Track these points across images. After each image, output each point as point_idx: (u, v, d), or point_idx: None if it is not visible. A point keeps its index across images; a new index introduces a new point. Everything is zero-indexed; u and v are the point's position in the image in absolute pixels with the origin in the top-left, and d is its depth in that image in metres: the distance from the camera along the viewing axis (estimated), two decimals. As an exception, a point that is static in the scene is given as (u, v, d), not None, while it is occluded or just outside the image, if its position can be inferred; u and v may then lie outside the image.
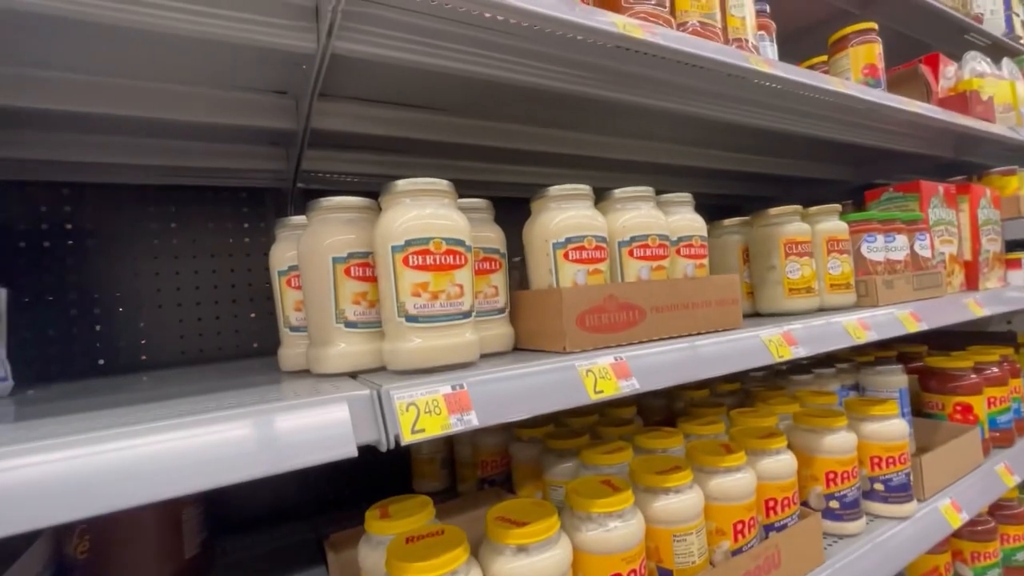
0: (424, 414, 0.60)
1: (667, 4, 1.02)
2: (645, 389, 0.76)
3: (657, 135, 1.57)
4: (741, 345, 0.92)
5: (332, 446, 0.54)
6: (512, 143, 1.33)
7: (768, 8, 1.44)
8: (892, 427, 1.21)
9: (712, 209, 2.25)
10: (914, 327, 1.24)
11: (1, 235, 1.11)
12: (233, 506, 1.27)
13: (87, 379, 1.09)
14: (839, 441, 1.14)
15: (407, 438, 0.57)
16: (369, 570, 0.76)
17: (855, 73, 1.50)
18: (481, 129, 1.27)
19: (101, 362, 1.20)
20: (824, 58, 1.68)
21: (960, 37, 2.24)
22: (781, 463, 1.04)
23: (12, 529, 0.41)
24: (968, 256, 1.67)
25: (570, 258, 0.83)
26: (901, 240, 1.38)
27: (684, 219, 1.01)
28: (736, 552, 0.93)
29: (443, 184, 0.73)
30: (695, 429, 1.14)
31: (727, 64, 1.00)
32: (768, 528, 1.03)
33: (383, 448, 0.57)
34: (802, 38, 2.08)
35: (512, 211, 1.10)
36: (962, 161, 1.99)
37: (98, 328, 1.20)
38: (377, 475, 1.43)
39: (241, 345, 1.34)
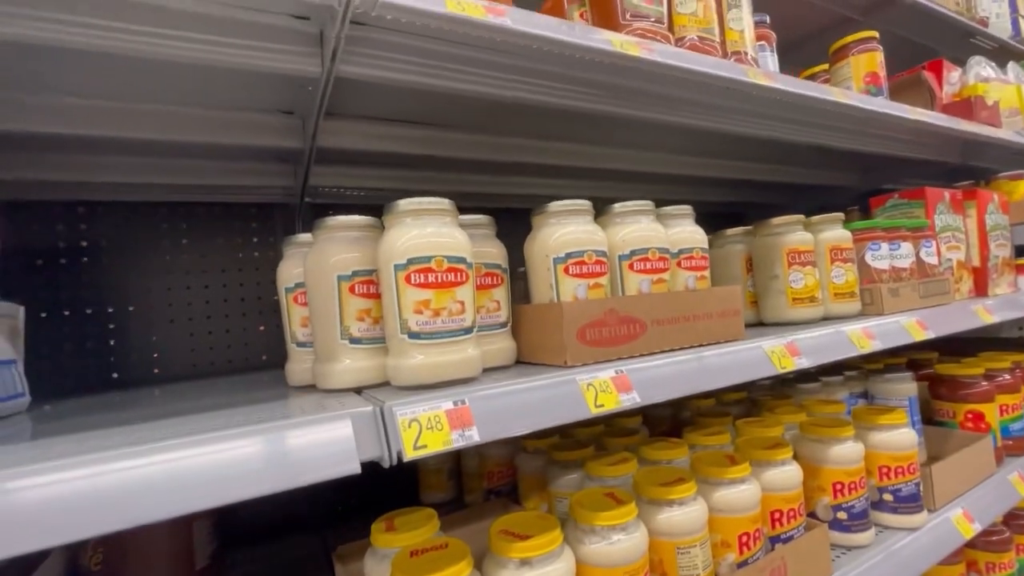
0: (426, 430, 0.61)
1: (665, 20, 1.03)
2: (646, 403, 0.77)
3: (661, 146, 1.58)
4: (743, 357, 0.92)
5: (336, 463, 0.56)
6: (516, 157, 1.35)
7: (768, 19, 1.45)
8: (901, 436, 1.20)
9: (719, 217, 2.25)
10: (920, 335, 1.23)
11: (19, 253, 1.15)
12: (244, 518, 1.29)
13: (101, 393, 1.11)
14: (846, 451, 1.13)
15: (409, 454, 0.58)
16: (375, 583, 0.77)
17: (857, 81, 1.50)
18: (485, 144, 1.29)
19: (115, 375, 1.23)
20: (826, 66, 1.68)
21: (966, 41, 2.23)
22: (786, 474, 1.04)
23: (32, 546, 0.42)
24: (977, 262, 1.66)
25: (570, 273, 0.84)
26: (906, 247, 1.38)
27: (685, 231, 1.02)
28: (741, 564, 0.92)
29: (444, 203, 0.75)
30: (700, 440, 1.14)
31: (724, 78, 1.01)
32: (774, 540, 1.02)
33: (385, 465, 0.58)
34: (805, 45, 2.08)
35: (517, 222, 1.11)
36: (970, 166, 1.98)
37: (112, 342, 1.23)
38: (385, 486, 1.44)
39: (250, 358, 1.37)
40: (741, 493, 0.94)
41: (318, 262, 0.77)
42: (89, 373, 1.20)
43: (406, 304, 0.70)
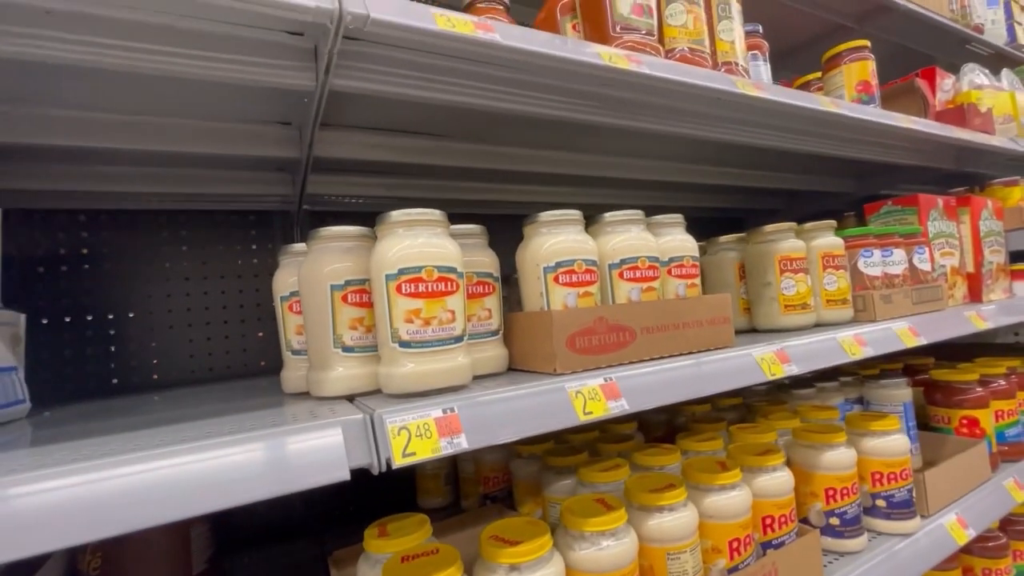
0: (415, 437, 0.62)
1: (656, 33, 1.05)
2: (635, 410, 0.78)
3: (655, 154, 1.59)
4: (732, 364, 0.93)
5: (327, 470, 0.57)
6: (509, 165, 1.37)
7: (761, 28, 1.47)
8: (893, 442, 1.21)
9: (713, 223, 2.26)
10: (912, 342, 1.24)
11: (21, 261, 1.17)
12: (241, 523, 1.30)
13: (101, 399, 1.13)
14: (838, 457, 1.14)
15: (398, 461, 0.60)
16: (367, 588, 0.78)
17: (849, 90, 1.51)
18: (478, 153, 1.31)
19: (115, 382, 1.24)
20: (819, 74, 1.69)
21: (962, 48, 2.25)
22: (778, 480, 1.05)
23: (31, 551, 0.44)
24: (971, 268, 1.66)
25: (560, 281, 0.86)
26: (899, 254, 1.39)
27: (675, 240, 1.03)
28: (732, 570, 0.93)
29: (436, 214, 0.77)
30: (693, 446, 1.15)
31: (713, 89, 1.03)
32: (766, 545, 1.03)
33: (375, 471, 0.60)
34: (801, 53, 2.10)
35: (511, 229, 1.13)
36: (965, 172, 1.98)
37: (112, 349, 1.24)
38: (383, 491, 1.45)
39: (248, 364, 1.38)
40: (731, 499, 0.95)
41: (312, 271, 0.79)
42: (89, 379, 1.22)
43: (397, 313, 0.72)
